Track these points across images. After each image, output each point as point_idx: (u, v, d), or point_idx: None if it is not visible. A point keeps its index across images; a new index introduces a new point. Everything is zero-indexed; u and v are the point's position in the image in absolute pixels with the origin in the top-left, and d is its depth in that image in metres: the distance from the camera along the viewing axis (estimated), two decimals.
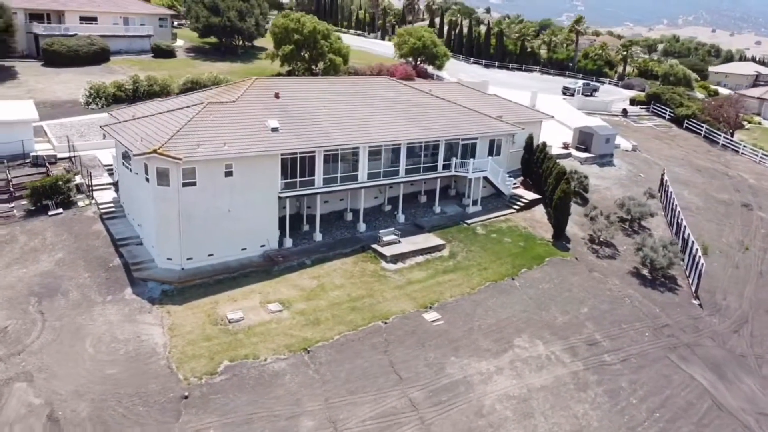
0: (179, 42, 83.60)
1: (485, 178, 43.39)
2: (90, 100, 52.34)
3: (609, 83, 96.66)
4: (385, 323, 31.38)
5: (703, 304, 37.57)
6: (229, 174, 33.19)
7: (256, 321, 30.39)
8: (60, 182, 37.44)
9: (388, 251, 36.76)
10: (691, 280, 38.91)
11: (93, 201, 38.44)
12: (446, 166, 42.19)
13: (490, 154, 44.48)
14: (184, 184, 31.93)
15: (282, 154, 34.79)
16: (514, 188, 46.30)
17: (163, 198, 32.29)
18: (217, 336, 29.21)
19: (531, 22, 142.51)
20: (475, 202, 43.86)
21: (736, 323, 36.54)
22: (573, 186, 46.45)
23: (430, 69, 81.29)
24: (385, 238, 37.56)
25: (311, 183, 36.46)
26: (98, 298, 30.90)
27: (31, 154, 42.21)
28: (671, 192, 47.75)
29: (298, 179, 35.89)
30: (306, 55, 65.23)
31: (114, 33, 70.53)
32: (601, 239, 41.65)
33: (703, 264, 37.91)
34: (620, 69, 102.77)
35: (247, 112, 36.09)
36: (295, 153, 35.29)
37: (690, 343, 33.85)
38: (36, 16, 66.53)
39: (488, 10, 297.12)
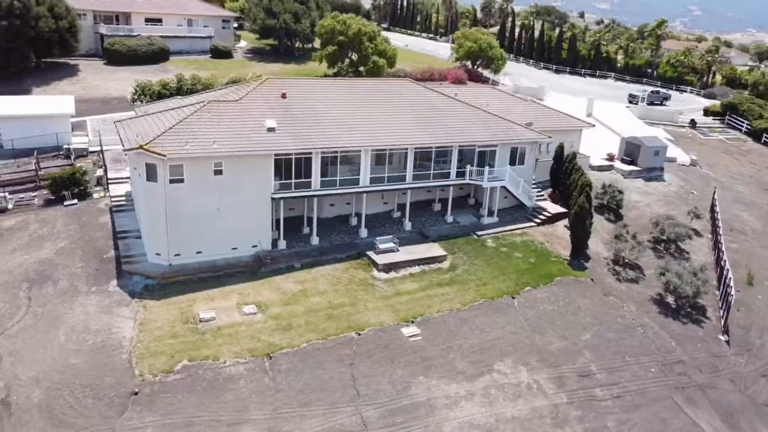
0: (242, 43, 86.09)
1: (504, 188, 40.88)
2: (136, 97, 54.54)
3: (690, 92, 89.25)
4: (359, 334, 30.02)
5: (732, 341, 33.16)
6: (218, 172, 33.09)
7: (227, 322, 30.01)
8: (77, 174, 39.12)
9: (381, 259, 35.32)
10: (722, 312, 34.54)
11: (107, 194, 39.83)
12: (461, 174, 40.14)
13: (513, 163, 41.81)
14: (172, 181, 32.14)
15: (276, 155, 34.31)
16: (539, 200, 43.35)
17: (151, 193, 32.74)
18: (184, 334, 29.07)
19: (626, 27, 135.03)
20: (491, 213, 41.39)
21: (767, 366, 32.00)
22: (605, 201, 43.03)
23: (486, 73, 78.51)
24: (381, 246, 36.13)
25: (308, 185, 35.79)
26: (84, 288, 31.74)
27: (64, 146, 44.51)
28: (717, 212, 42.85)
29: (293, 181, 35.29)
30: (354, 56, 64.87)
31: (176, 34, 73.60)
32: (626, 260, 37.98)
33: (732, 295, 33.53)
34: (707, 77, 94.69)
35: (247, 111, 35.93)
36: (290, 154, 34.71)
37: (703, 384, 29.90)
38: (105, 18, 70.65)
39: (582, 15, 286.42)
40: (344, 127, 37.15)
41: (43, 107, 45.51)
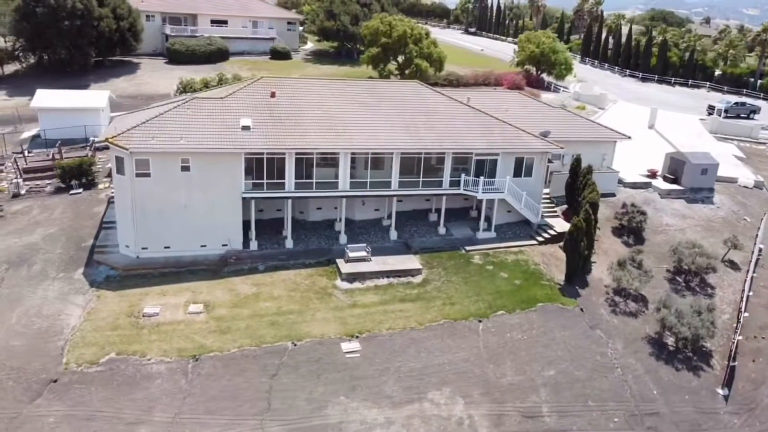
0: (308, 45, 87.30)
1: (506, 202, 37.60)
2: (178, 94, 56.62)
3: None
4: (295, 345, 28.55)
5: (733, 397, 27.85)
6: (185, 169, 33.04)
7: (168, 319, 29.73)
8: (84, 165, 40.98)
9: (347, 268, 33.59)
10: (728, 361, 29.21)
11: (110, 185, 41.37)
12: (456, 183, 37.41)
13: (518, 174, 38.36)
14: (138, 175, 32.51)
15: (247, 154, 33.75)
16: (550, 217, 39.46)
17: (120, 186, 33.39)
18: (123, 327, 29.13)
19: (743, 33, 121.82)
20: (488, 228, 38.21)
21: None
22: (623, 222, 38.32)
23: (550, 78, 73.72)
24: (352, 254, 34.36)
25: (281, 186, 34.86)
26: (53, 273, 32.87)
27: (90, 138, 46.95)
28: (758, 242, 36.62)
29: (265, 181, 34.56)
30: (400, 59, 63.30)
31: (238, 35, 75.93)
32: (630, 291, 33.38)
33: (734, 342, 28.22)
34: None
35: (228, 109, 35.59)
36: (262, 153, 34.00)
37: None
38: (173, 19, 74.34)
39: (707, 20, 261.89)
40: (326, 128, 35.82)
41: (78, 101, 48.36)
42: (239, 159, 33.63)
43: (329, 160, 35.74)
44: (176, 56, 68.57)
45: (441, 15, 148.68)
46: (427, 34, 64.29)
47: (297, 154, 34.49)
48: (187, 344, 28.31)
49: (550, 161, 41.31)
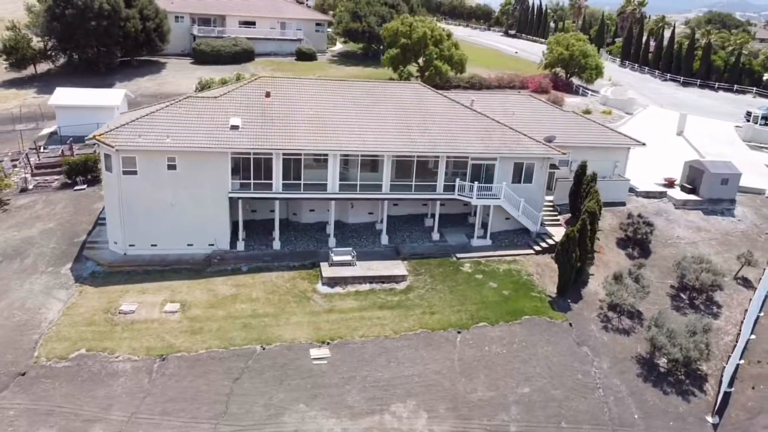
0: (337, 46, 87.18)
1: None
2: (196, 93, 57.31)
3: None
4: (264, 348, 28.07)
5: (723, 426, 25.63)
6: (172, 167, 33.10)
7: (143, 317, 29.76)
8: (89, 162, 41.78)
9: (329, 272, 32.91)
10: (719, 386, 26.93)
11: None
12: (451, 188, 36.20)
13: (517, 180, 36.85)
14: (125, 172, 32.77)
15: (233, 154, 33.55)
16: (553, 225, 37.75)
17: (108, 183, 33.75)
18: (98, 324, 29.31)
19: None
20: (483, 235, 36.83)
21: None
22: (628, 233, 36.26)
23: (581, 82, 71.09)
24: (336, 258, 33.67)
25: (268, 187, 34.50)
26: (42, 267, 33.49)
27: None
28: None
29: (252, 181, 34.27)
30: (421, 61, 62.27)
31: (265, 36, 76.48)
32: (626, 306, 31.41)
33: (724, 367, 25.98)
34: None
35: (220, 108, 35.47)
36: (249, 153, 33.72)
37: None
38: (202, 20, 75.52)
39: None
40: (317, 129, 35.26)
41: (94, 99, 49.45)
42: (226, 158, 33.46)
43: (320, 162, 35.22)
44: (202, 57, 69.59)
45: (482, 17, 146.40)
46: (449, 35, 62.92)
47: (284, 154, 34.08)
48: (157, 343, 28.24)
49: (556, 167, 39.61)
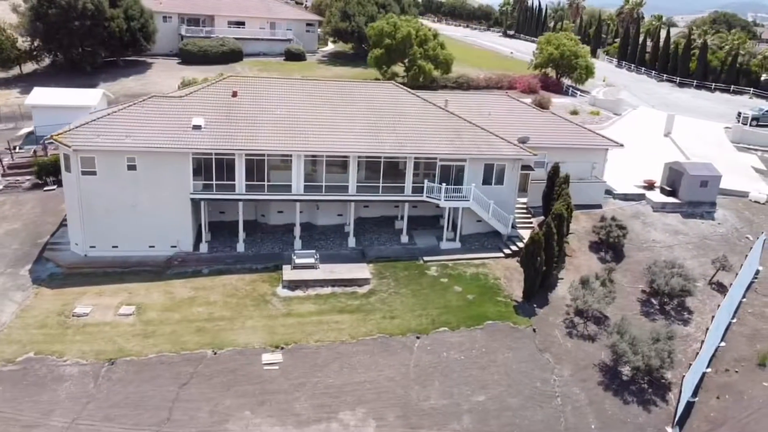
0: (329, 47, 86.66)
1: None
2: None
3: None
4: (215, 353, 27.45)
5: None
6: (132, 168, 32.58)
7: (97, 320, 29.22)
8: (59, 162, 41.33)
9: (290, 275, 32.26)
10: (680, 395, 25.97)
11: None
12: (419, 190, 35.46)
13: (488, 182, 36.07)
14: (84, 173, 32.29)
15: (195, 154, 32.98)
16: (526, 228, 36.90)
17: (68, 183, 33.26)
18: (51, 326, 28.79)
19: None
20: (453, 238, 36.07)
21: None
22: (601, 236, 35.37)
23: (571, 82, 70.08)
24: (298, 261, 33.01)
25: (231, 188, 33.91)
26: (1, 268, 33.05)
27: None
28: (750, 263, 32.87)
29: (214, 182, 33.70)
30: (407, 61, 61.56)
31: (253, 36, 76.08)
32: (594, 312, 30.54)
33: (684, 376, 25.04)
34: None
35: (184, 108, 34.94)
36: (210, 154, 33.15)
37: None
38: (190, 20, 75.21)
39: None
40: (282, 129, 34.63)
41: (70, 99, 49.05)
42: (187, 159, 32.88)
43: (286, 162, 34.58)
44: (189, 57, 69.22)
45: (482, 17, 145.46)
46: (435, 35, 62.20)
47: (247, 155, 33.50)
48: (108, 347, 27.68)
49: (531, 169, 38.83)
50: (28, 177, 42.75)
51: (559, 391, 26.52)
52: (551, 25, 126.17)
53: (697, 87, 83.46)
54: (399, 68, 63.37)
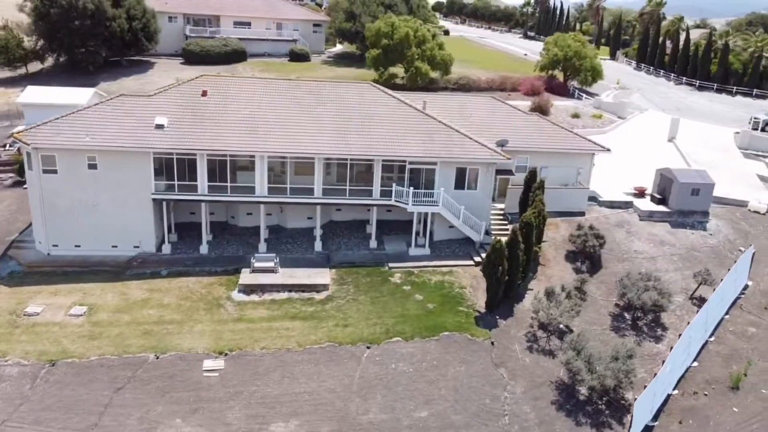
0: (336, 48, 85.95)
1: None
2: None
3: None
4: (157, 358, 26.83)
5: None
6: (92, 167, 32.31)
7: (47, 320, 28.91)
8: None
9: (247, 279, 31.49)
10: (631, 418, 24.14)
11: None
12: (389, 194, 34.35)
13: (460, 186, 34.77)
14: (45, 171, 32.16)
15: (156, 154, 32.51)
16: (502, 234, 35.39)
17: (30, 181, 33.16)
18: (1, 325, 28.59)
19: None
20: (422, 244, 34.82)
21: None
22: (581, 245, 33.66)
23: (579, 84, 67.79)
24: (257, 264, 32.22)
25: (194, 189, 33.31)
26: None
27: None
28: (735, 278, 30.72)
29: (176, 182, 33.16)
30: (405, 62, 60.35)
31: (258, 37, 75.85)
32: (557, 326, 28.92)
33: (635, 398, 23.25)
34: None
35: (151, 107, 34.52)
36: (171, 154, 32.63)
37: None
38: (196, 20, 75.37)
39: None
40: (247, 130, 33.92)
41: (61, 98, 49.28)
42: (148, 158, 32.48)
43: (250, 163, 33.88)
44: (191, 57, 69.28)
45: (503, 19, 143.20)
46: (434, 35, 60.86)
47: (209, 155, 32.90)
48: (52, 347, 27.30)
49: (511, 173, 37.37)
50: (11, 174, 43.10)
51: (508, 410, 25.06)
52: (573, 26, 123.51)
53: (717, 91, 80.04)
54: (399, 69, 62.20)
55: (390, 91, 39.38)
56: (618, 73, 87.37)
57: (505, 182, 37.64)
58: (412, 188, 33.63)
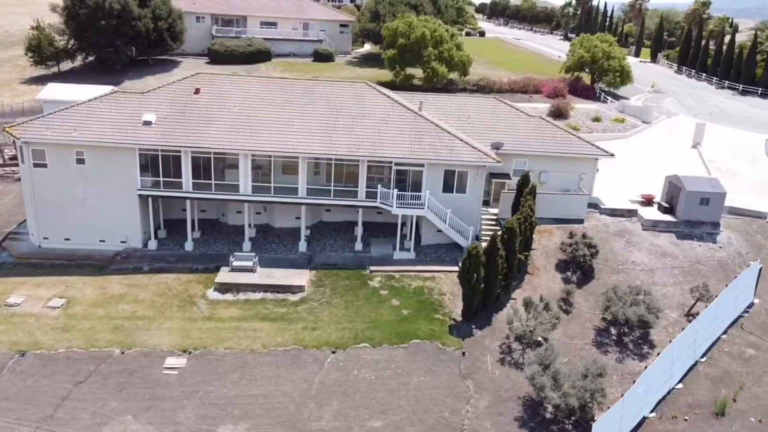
0: (365, 48, 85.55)
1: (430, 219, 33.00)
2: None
3: None
4: (122, 353, 26.89)
5: None
6: (80, 161, 32.84)
7: (26, 311, 29.44)
8: None
9: (223, 278, 31.29)
10: None
11: None
12: (374, 195, 33.57)
13: (449, 189, 33.67)
14: (35, 165, 32.87)
15: (142, 150, 32.73)
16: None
17: (23, 175, 33.91)
18: None
19: None
20: (407, 248, 33.85)
21: None
22: (571, 254, 31.99)
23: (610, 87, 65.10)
24: (236, 263, 31.98)
25: (179, 186, 33.39)
26: None
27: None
28: (722, 294, 28.41)
29: (161, 179, 33.31)
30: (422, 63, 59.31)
31: (284, 37, 76.31)
32: (533, 338, 27.45)
33: (594, 417, 21.63)
34: None
35: (142, 104, 34.87)
36: (156, 150, 32.77)
37: None
38: (224, 21, 76.40)
39: None
40: (233, 128, 33.75)
41: (78, 95, 50.55)
42: (133, 154, 32.78)
43: (229, 161, 33.77)
44: (216, 56, 70.24)
45: (545, 20, 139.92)
46: (453, 35, 59.49)
47: (193, 152, 32.93)
48: (25, 338, 27.76)
49: (507, 177, 36.01)
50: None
51: (467, 425, 23.87)
52: (616, 27, 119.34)
53: (762, 95, 75.62)
54: (418, 70, 61.22)
55: (386, 91, 38.62)
56: (656, 76, 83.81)
57: (500, 186, 36.29)
58: (396, 190, 32.78)
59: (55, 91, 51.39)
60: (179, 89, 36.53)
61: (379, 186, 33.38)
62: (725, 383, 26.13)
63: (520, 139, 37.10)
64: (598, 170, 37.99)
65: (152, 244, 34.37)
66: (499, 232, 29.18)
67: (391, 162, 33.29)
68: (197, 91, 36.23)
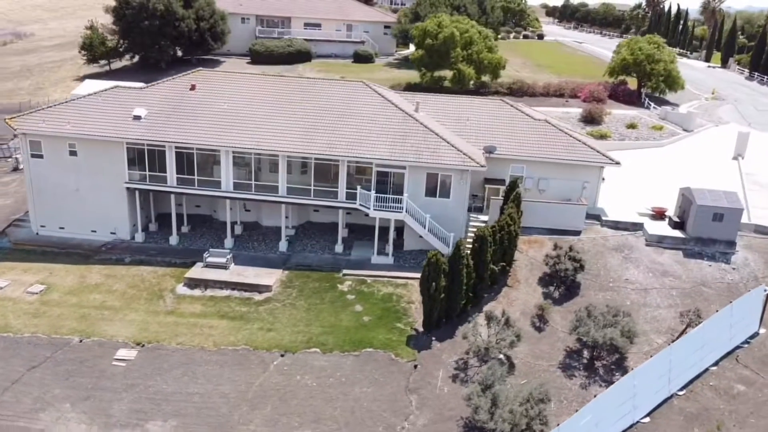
0: (411, 49, 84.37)
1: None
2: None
3: None
4: (80, 342, 27.35)
5: None
6: (73, 153, 33.89)
7: (6, 295, 30.57)
8: None
9: (194, 273, 31.29)
10: None
11: None
12: (355, 197, 32.61)
13: (432, 194, 32.21)
14: (33, 155, 34.21)
15: (129, 144, 33.34)
16: None
17: (24, 165, 35.36)
18: None
19: None
20: (386, 252, 32.58)
21: None
22: (552, 268, 29.71)
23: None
24: (210, 259, 31.91)
25: (163, 180, 33.76)
26: None
27: None
28: (711, 320, 25.12)
29: (147, 173, 33.78)
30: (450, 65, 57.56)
31: (327, 38, 76.60)
32: (492, 355, 25.49)
33: None
34: None
35: (139, 99, 35.58)
36: (143, 144, 33.27)
37: None
38: (268, 22, 77.58)
39: None
40: (217, 124, 33.77)
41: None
42: (121, 148, 33.46)
43: (212, 157, 33.79)
44: (257, 56, 71.43)
45: (613, 23, 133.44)
46: (486, 36, 57.28)
47: (177, 148, 33.21)
48: None
49: (502, 183, 34.08)
50: None
51: None
52: (691, 30, 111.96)
53: None
54: (449, 72, 59.55)
55: (383, 91, 37.54)
56: (723, 82, 77.82)
57: (494, 192, 34.39)
58: (374, 192, 31.69)
59: (89, 87, 53.89)
60: (177, 85, 37.08)
61: (358, 187, 32.41)
62: (700, 421, 23.24)
63: (519, 143, 35.05)
64: (603, 179, 35.33)
65: (139, 237, 35.00)
66: (459, 240, 27.50)
67: (371, 163, 32.26)
68: (193, 88, 36.64)
